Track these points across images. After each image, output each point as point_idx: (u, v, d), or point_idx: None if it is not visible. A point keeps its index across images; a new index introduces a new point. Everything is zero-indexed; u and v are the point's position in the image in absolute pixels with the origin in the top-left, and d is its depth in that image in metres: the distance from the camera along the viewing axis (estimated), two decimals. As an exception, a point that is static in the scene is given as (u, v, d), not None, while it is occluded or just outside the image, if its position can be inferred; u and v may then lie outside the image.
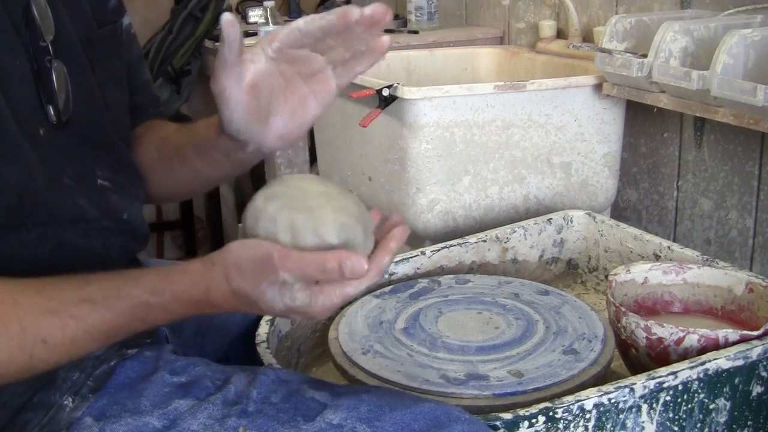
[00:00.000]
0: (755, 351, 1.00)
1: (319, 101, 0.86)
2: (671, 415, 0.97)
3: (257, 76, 0.82)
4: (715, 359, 0.98)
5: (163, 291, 0.76)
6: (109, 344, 0.79)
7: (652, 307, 1.21)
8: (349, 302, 1.23)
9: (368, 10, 0.77)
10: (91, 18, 0.93)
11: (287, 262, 0.72)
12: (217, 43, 2.31)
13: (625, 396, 0.93)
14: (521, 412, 0.88)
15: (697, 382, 0.98)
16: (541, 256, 1.46)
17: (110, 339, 0.77)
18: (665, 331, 1.03)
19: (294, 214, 0.75)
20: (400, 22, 2.46)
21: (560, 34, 2.01)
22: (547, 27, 2.00)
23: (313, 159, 2.16)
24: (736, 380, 1.00)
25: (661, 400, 0.96)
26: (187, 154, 0.98)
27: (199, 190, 1.12)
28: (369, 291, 1.25)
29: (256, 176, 3.05)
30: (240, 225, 0.80)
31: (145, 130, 1.05)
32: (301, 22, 0.80)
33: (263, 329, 1.07)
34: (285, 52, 0.82)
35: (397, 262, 1.31)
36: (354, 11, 0.77)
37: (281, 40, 0.81)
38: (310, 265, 0.71)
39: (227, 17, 0.78)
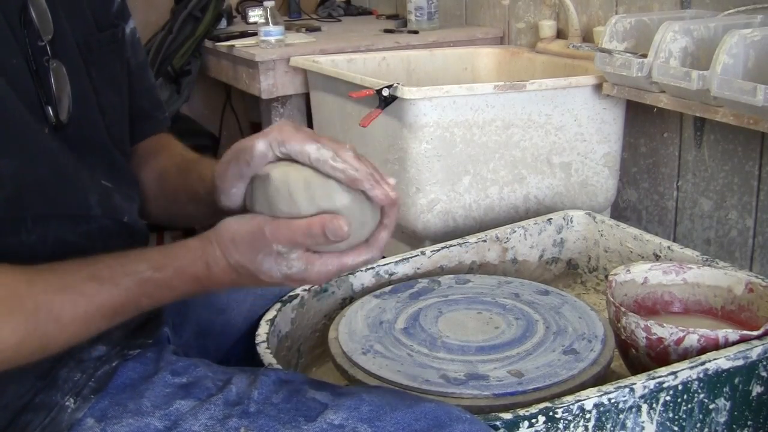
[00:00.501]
0: (755, 351, 1.00)
1: None
2: (671, 415, 0.98)
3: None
4: (715, 359, 0.98)
5: (166, 266, 0.78)
6: (118, 322, 0.79)
7: (652, 307, 1.21)
8: (349, 302, 1.24)
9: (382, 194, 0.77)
10: (91, 21, 0.92)
11: (277, 233, 0.75)
12: (217, 43, 2.31)
13: (625, 396, 0.93)
14: (521, 412, 0.88)
15: (697, 382, 0.98)
16: (541, 256, 1.46)
17: (119, 316, 0.78)
18: (665, 331, 1.03)
19: (306, 172, 0.77)
20: (400, 22, 2.46)
21: (560, 34, 2.01)
22: (547, 27, 2.01)
23: (313, 159, 2.16)
24: (736, 380, 1.01)
25: (661, 400, 0.96)
26: (182, 199, 1.00)
27: (192, 225, 1.14)
28: (369, 291, 1.25)
29: (256, 176, 3.05)
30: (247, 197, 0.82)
31: (149, 154, 1.05)
32: (313, 152, 0.78)
33: (263, 329, 1.07)
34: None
35: (397, 262, 1.31)
36: (366, 185, 0.77)
37: (290, 151, 0.81)
38: (297, 233, 0.75)
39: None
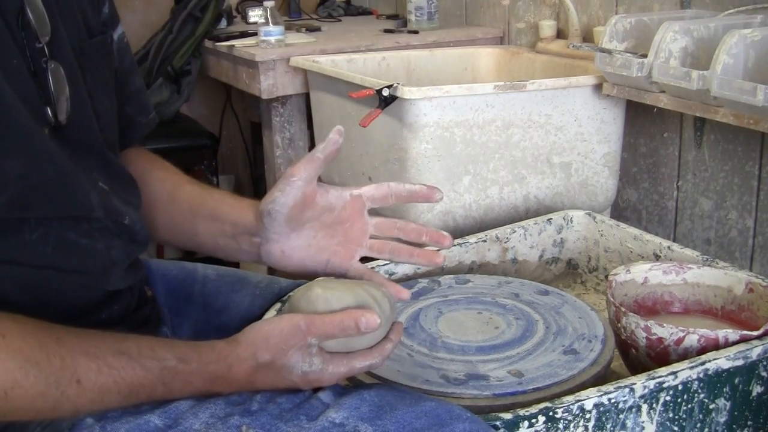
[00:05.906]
0: (755, 351, 1.00)
1: (339, 266, 0.97)
2: (671, 415, 0.98)
3: (328, 197, 0.96)
4: (715, 359, 0.98)
5: (191, 360, 0.81)
6: (126, 405, 0.80)
7: (652, 307, 1.21)
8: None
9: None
10: (83, 28, 0.93)
11: (312, 327, 0.81)
12: (217, 43, 2.31)
13: (625, 396, 0.93)
14: (521, 412, 0.88)
15: (697, 382, 0.98)
16: (541, 256, 1.46)
17: (131, 398, 0.79)
18: (665, 331, 1.03)
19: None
20: (400, 22, 2.46)
21: (560, 34, 2.01)
22: (547, 27, 2.01)
23: (313, 159, 2.16)
24: (736, 380, 1.01)
25: (661, 400, 0.96)
26: (199, 214, 1.02)
27: (189, 249, 1.14)
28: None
29: (256, 176, 3.05)
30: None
31: (150, 172, 1.07)
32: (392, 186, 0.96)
33: (263, 329, 1.07)
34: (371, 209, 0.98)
35: (396, 262, 1.31)
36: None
37: (374, 195, 0.97)
38: (330, 325, 0.81)
39: (338, 128, 0.96)
